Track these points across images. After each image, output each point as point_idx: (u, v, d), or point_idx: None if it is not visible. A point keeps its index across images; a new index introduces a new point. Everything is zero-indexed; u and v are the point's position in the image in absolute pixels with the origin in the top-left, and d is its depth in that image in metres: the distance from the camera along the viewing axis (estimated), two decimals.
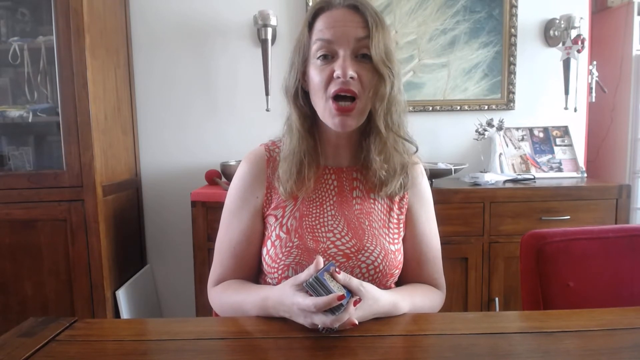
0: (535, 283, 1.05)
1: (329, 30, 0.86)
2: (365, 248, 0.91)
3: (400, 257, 0.96)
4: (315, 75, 0.87)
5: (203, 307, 1.87)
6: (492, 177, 2.00)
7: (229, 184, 1.02)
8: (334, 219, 0.93)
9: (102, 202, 1.86)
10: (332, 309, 0.71)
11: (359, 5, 0.87)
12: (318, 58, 0.87)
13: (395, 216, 0.97)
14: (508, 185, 1.97)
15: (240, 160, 1.01)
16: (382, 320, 0.81)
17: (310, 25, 0.89)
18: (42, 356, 0.69)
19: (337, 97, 0.86)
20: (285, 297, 0.78)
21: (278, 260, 0.90)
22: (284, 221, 0.93)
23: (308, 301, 0.72)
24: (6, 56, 1.87)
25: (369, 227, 0.93)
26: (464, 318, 0.88)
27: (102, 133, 1.90)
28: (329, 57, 0.87)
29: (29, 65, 1.89)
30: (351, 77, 0.84)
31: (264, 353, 0.71)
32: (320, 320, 0.72)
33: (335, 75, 0.85)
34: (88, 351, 0.72)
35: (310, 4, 2.17)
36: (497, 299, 1.90)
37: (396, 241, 0.96)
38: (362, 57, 0.86)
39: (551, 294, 1.04)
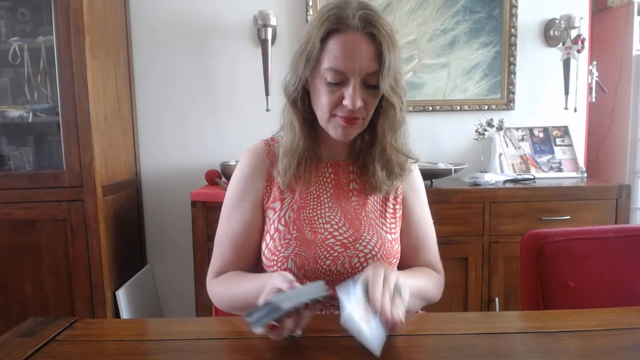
0: (535, 283, 1.05)
1: (343, 61, 0.84)
2: (362, 237, 0.93)
3: (397, 247, 0.98)
4: (323, 95, 0.88)
5: (203, 307, 1.87)
6: (492, 177, 2.00)
7: (228, 184, 1.02)
8: (331, 211, 0.95)
9: (102, 202, 1.86)
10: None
11: (375, 33, 0.84)
12: (327, 81, 0.87)
13: (391, 206, 1.00)
14: (508, 185, 1.97)
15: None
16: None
17: (322, 39, 0.86)
18: (42, 356, 0.69)
19: None
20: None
21: (277, 253, 0.91)
22: (282, 214, 0.95)
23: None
24: (6, 56, 1.87)
25: (365, 218, 0.96)
26: (464, 318, 0.88)
27: (102, 133, 1.90)
28: (338, 81, 0.86)
29: (29, 65, 1.89)
30: (359, 107, 0.86)
31: (263, 353, 0.71)
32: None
33: (343, 102, 0.86)
34: (88, 351, 0.72)
35: (311, 3, 2.16)
36: (497, 299, 1.90)
37: (393, 230, 0.98)
38: (370, 84, 0.87)
39: (551, 294, 1.04)
